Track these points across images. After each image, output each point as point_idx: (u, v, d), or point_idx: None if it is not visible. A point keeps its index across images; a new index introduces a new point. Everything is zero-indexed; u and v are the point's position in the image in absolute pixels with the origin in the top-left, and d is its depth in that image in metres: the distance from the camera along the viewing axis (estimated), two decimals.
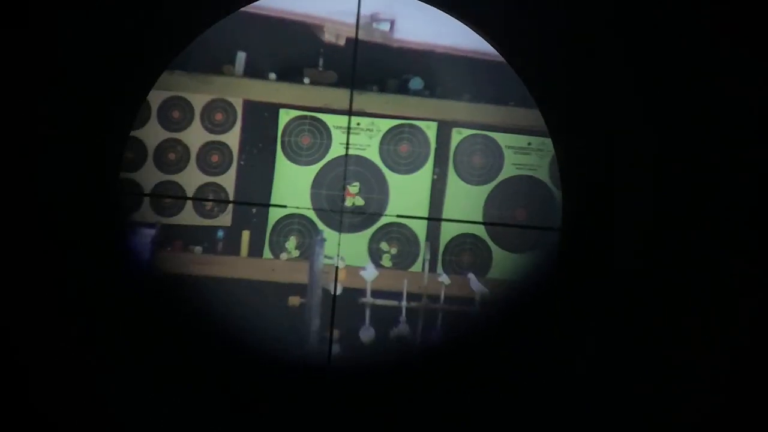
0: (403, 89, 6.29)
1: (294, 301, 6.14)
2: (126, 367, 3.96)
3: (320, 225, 6.26)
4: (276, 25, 6.04)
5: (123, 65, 3.88)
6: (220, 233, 6.22)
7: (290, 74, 6.19)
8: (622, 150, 3.90)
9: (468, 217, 6.29)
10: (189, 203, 6.18)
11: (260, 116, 6.24)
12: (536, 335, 4.25)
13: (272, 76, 6.18)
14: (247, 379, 4.39)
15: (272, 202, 6.21)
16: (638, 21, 3.65)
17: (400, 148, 6.31)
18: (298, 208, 6.21)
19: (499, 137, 6.36)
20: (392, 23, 6.20)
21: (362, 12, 6.02)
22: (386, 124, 6.29)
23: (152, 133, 6.11)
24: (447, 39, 6.11)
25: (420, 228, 6.33)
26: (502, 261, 6.29)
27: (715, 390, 3.43)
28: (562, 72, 4.06)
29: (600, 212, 4.01)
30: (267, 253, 6.24)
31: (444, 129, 6.34)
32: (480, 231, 6.33)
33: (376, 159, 6.30)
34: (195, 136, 6.21)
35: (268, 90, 6.20)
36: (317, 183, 6.25)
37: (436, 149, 6.34)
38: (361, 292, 6.14)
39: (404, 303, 6.14)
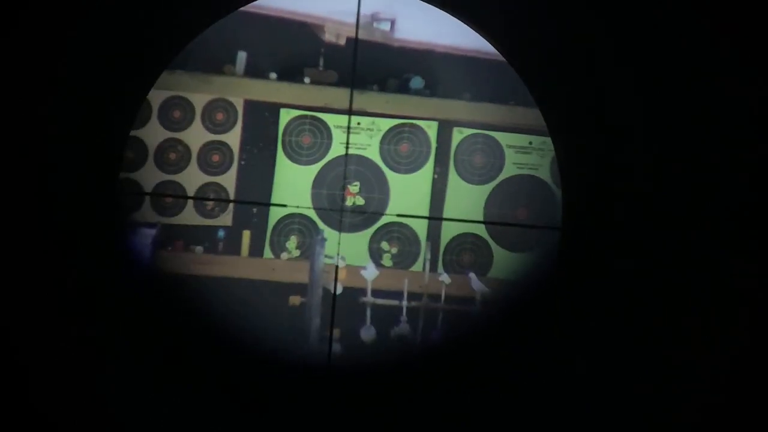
0: (403, 89, 6.29)
1: (294, 300, 6.15)
2: (126, 367, 3.96)
3: (321, 224, 6.26)
4: (276, 24, 6.05)
5: (123, 65, 3.88)
6: (221, 233, 6.23)
7: (291, 74, 6.20)
8: (622, 150, 3.90)
9: (469, 216, 6.29)
10: (190, 203, 6.18)
11: (261, 116, 6.24)
12: (536, 335, 4.25)
13: (273, 75, 6.19)
14: (247, 378, 4.39)
15: (273, 201, 6.21)
16: (638, 21, 3.65)
17: (401, 147, 6.31)
18: (298, 207, 6.21)
19: (500, 136, 6.36)
20: (393, 23, 6.20)
21: (362, 11, 6.02)
22: (387, 124, 6.29)
23: (153, 133, 6.11)
24: (447, 38, 6.11)
25: (420, 227, 6.33)
26: (503, 260, 6.29)
27: (715, 390, 3.43)
28: (562, 72, 4.06)
29: (600, 212, 4.01)
30: (267, 252, 6.24)
31: (444, 128, 6.34)
32: (481, 230, 6.33)
33: (377, 158, 6.30)
34: (196, 136, 6.21)
35: (268, 89, 6.20)
36: (318, 182, 6.25)
37: (436, 148, 6.34)
38: (362, 291, 6.15)
39: (405, 302, 6.15)
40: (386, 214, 6.28)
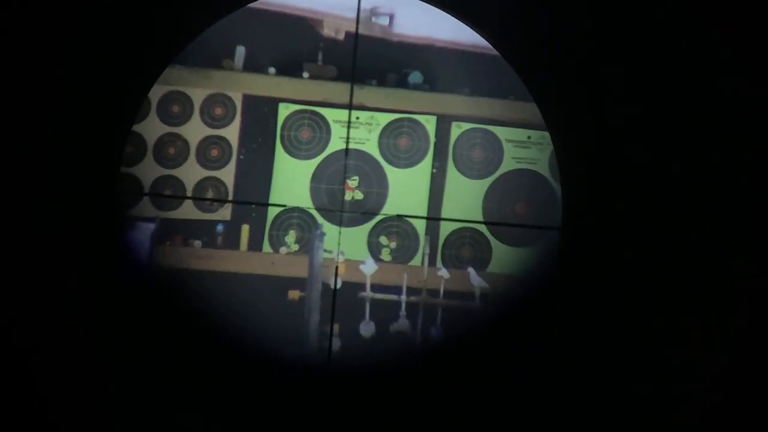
0: (402, 83, 6.29)
1: (293, 295, 6.15)
2: (126, 365, 3.97)
3: (319, 219, 6.26)
4: (275, 19, 6.04)
5: (124, 64, 3.87)
6: (220, 227, 6.23)
7: (290, 68, 6.19)
8: (622, 150, 3.90)
9: (467, 210, 6.29)
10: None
11: (260, 110, 6.24)
12: (536, 334, 4.25)
13: (272, 70, 6.18)
14: (246, 373, 4.40)
15: (272, 195, 6.21)
16: (637, 20, 3.64)
17: (400, 142, 6.31)
18: (298, 207, 6.21)
19: (499, 131, 6.35)
20: (391, 17, 6.19)
21: (362, 6, 6.01)
22: (385, 118, 6.29)
23: (152, 128, 6.11)
24: (446, 33, 6.10)
25: (419, 222, 6.33)
26: (502, 255, 6.29)
27: (715, 390, 3.43)
28: (560, 72, 4.06)
29: (600, 212, 4.01)
30: (266, 247, 6.24)
31: (443, 123, 6.34)
32: (479, 225, 6.33)
33: (376, 153, 6.30)
34: (194, 131, 6.21)
35: (267, 84, 6.20)
36: (317, 177, 6.25)
37: (435, 143, 6.33)
38: (361, 286, 6.15)
39: (404, 297, 6.15)
40: (386, 214, 6.28)
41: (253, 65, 6.18)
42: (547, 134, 4.66)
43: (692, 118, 3.54)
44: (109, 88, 3.86)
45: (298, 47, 6.17)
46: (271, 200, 6.20)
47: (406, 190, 6.32)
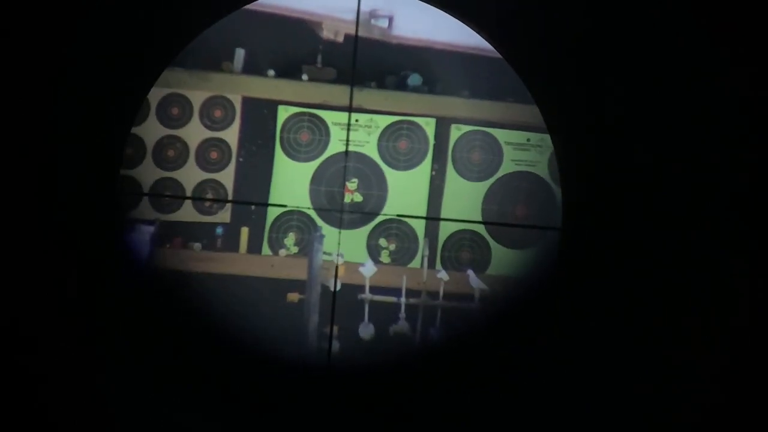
0: (401, 86, 6.28)
1: (293, 297, 6.14)
2: (126, 366, 3.96)
3: (319, 221, 6.26)
4: (275, 21, 6.04)
5: (123, 65, 3.87)
6: (219, 230, 6.22)
7: (289, 71, 6.19)
8: (622, 150, 3.90)
9: (467, 212, 6.28)
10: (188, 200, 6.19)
11: (259, 113, 6.24)
12: (536, 334, 4.25)
13: (271, 72, 6.18)
14: (246, 375, 4.39)
15: (271, 198, 6.20)
16: (637, 20, 3.65)
17: (399, 144, 6.31)
18: (298, 207, 6.21)
19: (498, 133, 6.35)
20: (391, 20, 6.19)
21: (361, 8, 6.01)
22: (385, 121, 6.29)
23: (151, 130, 6.10)
24: (445, 35, 6.10)
25: (419, 224, 6.33)
26: (502, 258, 6.29)
27: (715, 390, 3.43)
28: (561, 72, 4.06)
29: (600, 212, 4.01)
30: (266, 249, 6.24)
31: (443, 125, 6.33)
32: (479, 227, 6.33)
33: (375, 155, 6.29)
34: (194, 133, 6.20)
35: (266, 87, 6.19)
36: (316, 179, 6.25)
37: (434, 145, 6.33)
38: (360, 288, 6.14)
39: (403, 299, 6.14)
40: (386, 214, 6.28)
41: (252, 68, 6.17)
42: (546, 137, 4.66)
43: (692, 118, 3.54)
44: (109, 89, 3.86)
45: (298, 49, 6.17)
46: (271, 202, 6.20)
47: (405, 193, 6.31)
